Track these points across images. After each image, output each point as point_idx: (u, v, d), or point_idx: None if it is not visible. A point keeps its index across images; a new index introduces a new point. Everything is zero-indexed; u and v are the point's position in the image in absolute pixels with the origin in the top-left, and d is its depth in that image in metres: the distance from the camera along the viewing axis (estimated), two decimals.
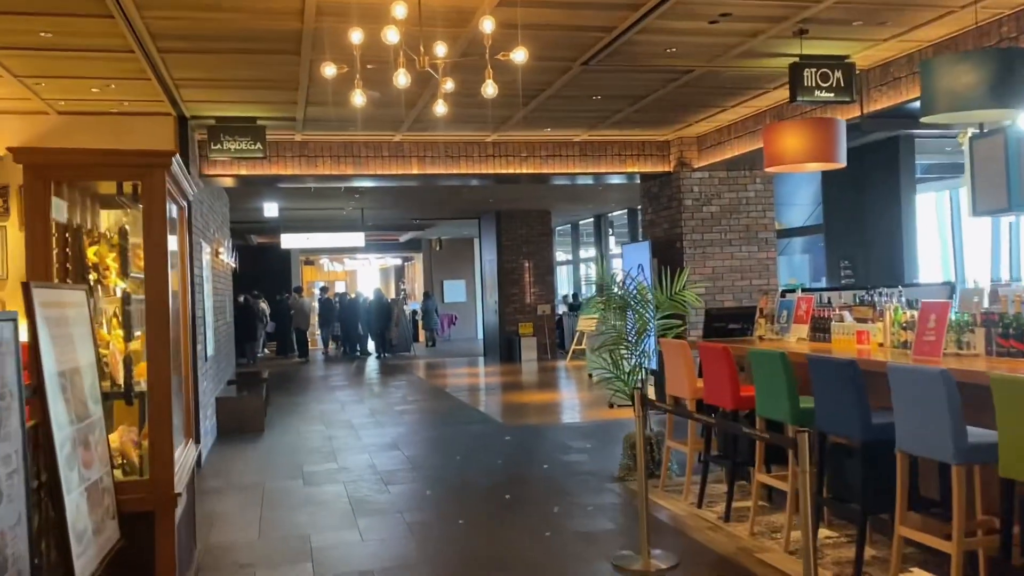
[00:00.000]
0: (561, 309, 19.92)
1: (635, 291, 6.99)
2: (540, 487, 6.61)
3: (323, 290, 20.68)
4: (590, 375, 13.83)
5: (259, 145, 7.89)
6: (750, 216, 9.98)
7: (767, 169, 6.08)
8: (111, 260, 3.92)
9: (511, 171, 9.53)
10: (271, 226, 16.88)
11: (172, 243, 4.23)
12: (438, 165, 9.34)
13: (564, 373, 15.36)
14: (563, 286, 23.09)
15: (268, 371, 16.17)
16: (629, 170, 9.86)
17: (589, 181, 10.48)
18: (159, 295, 3.72)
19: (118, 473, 3.88)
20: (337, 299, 22.97)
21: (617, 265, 22.39)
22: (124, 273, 3.88)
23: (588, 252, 22.51)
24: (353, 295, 22.72)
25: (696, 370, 6.03)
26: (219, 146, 7.82)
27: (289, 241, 16.08)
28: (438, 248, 25.30)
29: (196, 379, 7.76)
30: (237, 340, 20.42)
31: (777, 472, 5.23)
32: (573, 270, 22.05)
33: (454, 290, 25.77)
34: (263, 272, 24.38)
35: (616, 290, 7.05)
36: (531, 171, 9.58)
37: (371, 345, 21.23)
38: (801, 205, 14.05)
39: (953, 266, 11.45)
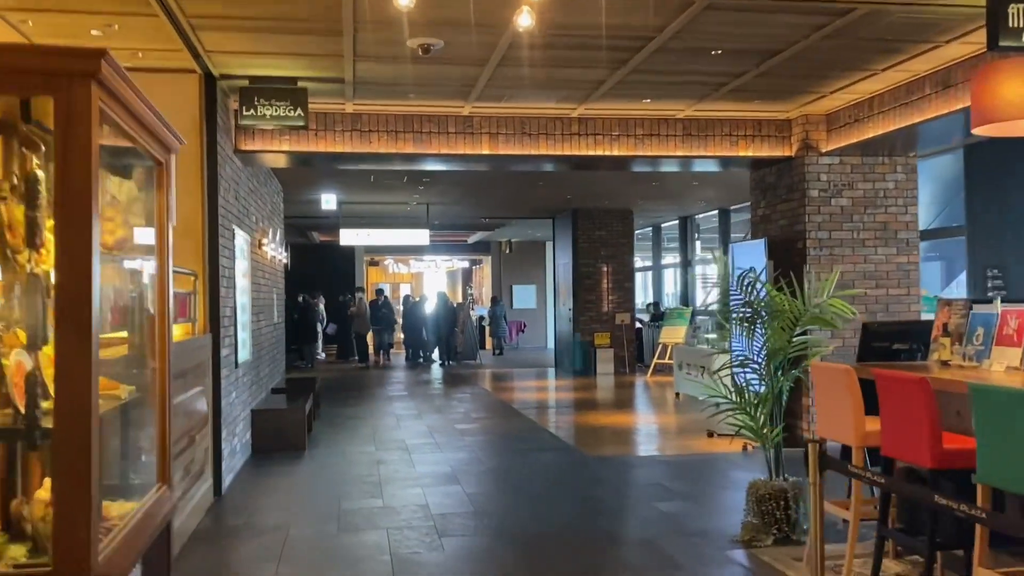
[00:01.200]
0: (640, 319, 18.26)
1: (764, 298, 5.37)
2: (638, 552, 5.05)
3: (379, 292, 19.39)
4: (677, 394, 12.17)
5: (300, 112, 6.57)
6: (888, 212, 8.23)
7: (975, 130, 4.41)
8: (23, 223, 2.56)
9: (599, 152, 8.01)
10: (331, 221, 15.71)
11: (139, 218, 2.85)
12: (513, 144, 7.88)
13: (646, 391, 13.72)
14: (640, 294, 21.40)
15: (322, 378, 15.00)
16: (742, 153, 8.24)
17: (689, 168, 8.87)
18: (76, 276, 2.33)
19: (18, 551, 2.51)
20: (401, 303, 21.78)
21: (702, 273, 20.62)
22: (33, 243, 2.51)
23: (670, 259, 20.79)
24: (417, 298, 21.48)
25: (863, 406, 4.40)
26: (252, 111, 6.52)
27: (348, 237, 14.87)
28: (508, 251, 23.91)
29: (219, 390, 6.46)
30: (295, 342, 19.46)
31: (1011, 567, 3.56)
32: (654, 277, 20.35)
33: (524, 295, 24.34)
34: (326, 272, 23.42)
35: (741, 295, 5.42)
36: (622, 153, 8.05)
37: (436, 352, 19.94)
38: (922, 204, 12.11)
39: None
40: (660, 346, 15.68)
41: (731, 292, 5.49)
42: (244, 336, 8.00)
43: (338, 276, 22.96)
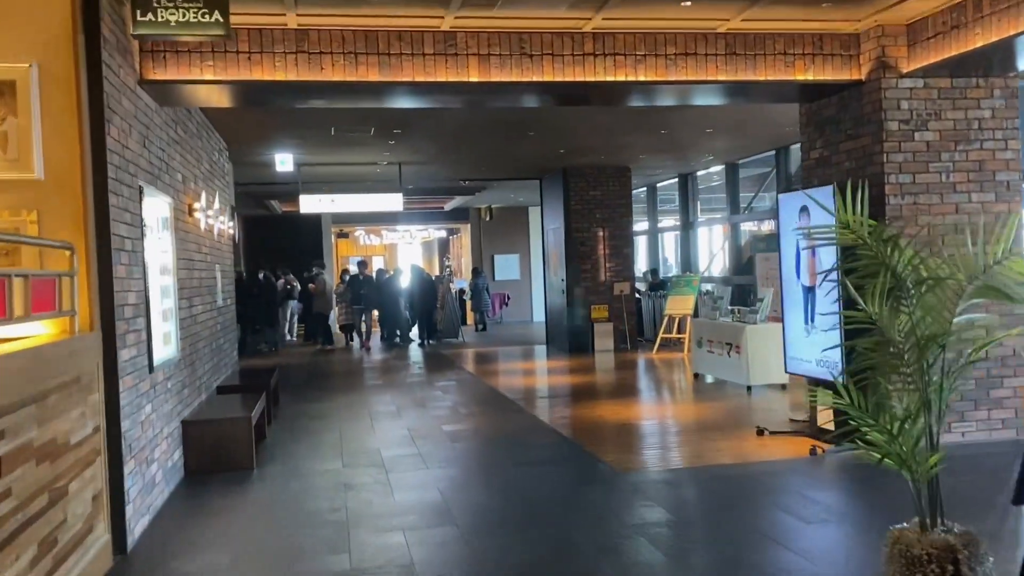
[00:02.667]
0: (637, 289, 16.55)
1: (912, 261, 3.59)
2: None
3: (360, 265, 17.23)
4: (696, 375, 10.51)
5: (217, 16, 4.69)
6: (984, 148, 6.53)
7: None
8: None
9: (619, 78, 6.21)
10: (290, 188, 13.75)
11: None
12: (509, 69, 6.05)
13: (655, 371, 12.04)
14: (635, 261, 19.68)
15: (285, 365, 13.15)
16: (799, 77, 6.47)
17: (733, 98, 7.06)
18: None
19: None
20: (372, 277, 19.92)
21: (706, 238, 18.92)
22: None
23: (667, 222, 19.08)
24: (391, 272, 19.62)
25: None
26: (150, 15, 4.64)
27: (310, 204, 12.94)
28: (488, 218, 22.06)
29: (116, 408, 4.64)
30: (256, 325, 17.57)
31: None
32: (650, 242, 18.64)
33: (506, 266, 22.56)
34: (290, 246, 21.49)
35: (866, 253, 3.63)
36: (649, 78, 6.25)
37: (414, 330, 18.15)
38: None
39: None
40: (665, 318, 14.01)
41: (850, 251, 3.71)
42: (168, 328, 6.16)
43: (303, 250, 21.02)
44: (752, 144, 12.74)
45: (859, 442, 3.71)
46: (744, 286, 14.18)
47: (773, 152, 13.24)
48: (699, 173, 16.28)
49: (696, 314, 14.45)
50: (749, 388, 9.36)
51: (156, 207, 5.92)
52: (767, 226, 15.10)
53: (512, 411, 8.86)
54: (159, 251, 5.96)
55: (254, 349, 16.73)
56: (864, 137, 6.55)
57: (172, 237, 6.45)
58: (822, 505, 5.15)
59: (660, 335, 13.89)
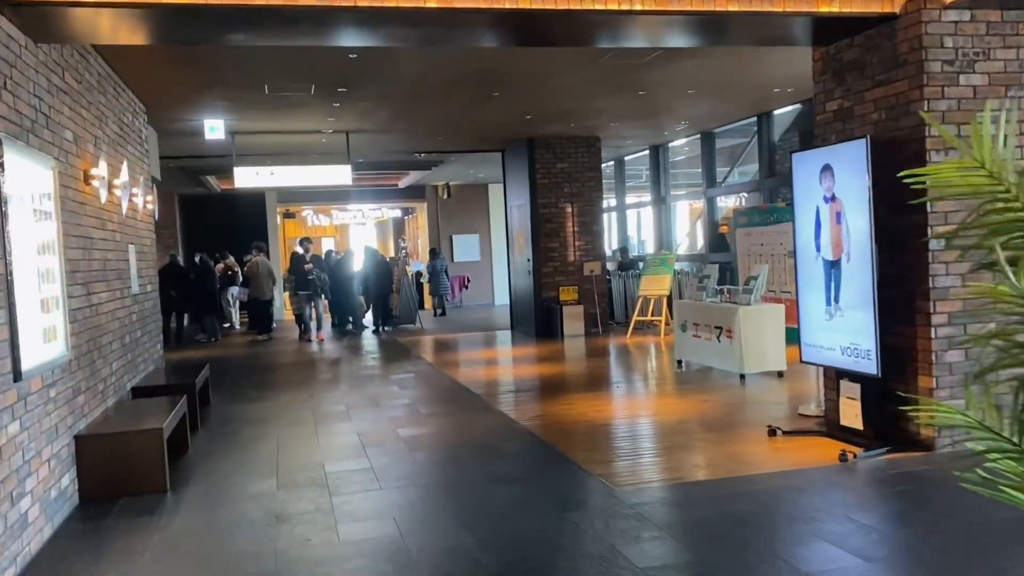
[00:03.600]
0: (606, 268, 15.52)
1: None
2: None
3: (304, 243, 14.89)
4: (679, 362, 9.50)
5: None
6: None
7: None
8: None
9: (613, 6, 5.05)
10: (227, 161, 12.35)
11: None
12: None
13: (633, 358, 11.01)
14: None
15: (222, 358, 11.85)
16: (823, 9, 5.39)
17: (745, 36, 5.96)
18: None
19: None
20: (321, 258, 18.59)
21: (685, 214, 17.95)
22: None
23: (634, 197, 18.06)
24: (342, 254, 18.31)
25: None
26: None
27: (246, 178, 11.56)
28: (446, 196, 20.84)
29: None
30: (194, 313, 16.16)
31: None
32: (618, 218, 17.60)
33: (466, 246, 21.37)
34: (232, 227, 20.03)
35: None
36: (649, 7, 5.10)
37: (369, 316, 16.91)
38: None
39: None
40: (640, 300, 12.99)
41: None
42: (52, 322, 4.89)
43: (246, 232, 19.57)
44: (733, 110, 11.72)
45: (985, 473, 2.65)
46: (721, 264, 13.22)
47: (755, 119, 12.25)
48: (671, 144, 15.26)
49: (675, 296, 13.50)
50: (743, 376, 8.38)
51: (27, 170, 4.63)
52: (732, 201, 14.17)
53: (479, 409, 7.73)
54: (33, 225, 4.68)
55: (192, 340, 15.36)
56: (898, 82, 5.50)
57: (57, 208, 5.16)
58: (879, 533, 4.12)
59: (634, 318, 12.87)
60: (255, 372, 10.90)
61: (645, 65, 8.32)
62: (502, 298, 21.03)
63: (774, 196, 12.17)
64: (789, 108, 12.00)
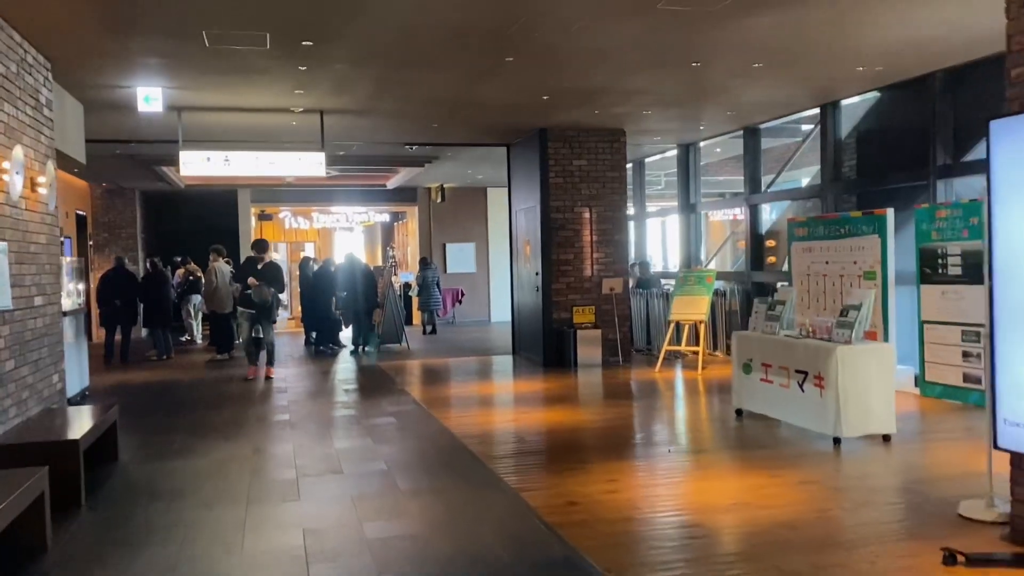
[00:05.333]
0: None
1: None
2: None
3: (259, 247, 10.61)
4: (739, 412, 7.34)
5: None
6: None
7: None
8: None
9: None
10: (170, 149, 10.07)
11: None
12: None
13: (668, 399, 8.83)
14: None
15: (157, 387, 9.63)
16: None
17: None
18: None
19: None
20: (276, 265, 16.38)
21: (712, 227, 15.78)
22: None
23: (655, 206, 15.96)
24: (320, 263, 16.14)
25: None
26: None
27: (193, 165, 9.32)
28: (439, 199, 18.66)
29: None
30: (146, 324, 13.88)
31: None
32: (636, 229, 15.43)
33: (460, 256, 19.18)
34: (199, 229, 17.85)
35: None
36: None
37: (350, 332, 14.73)
38: None
39: None
40: (671, 325, 10.82)
41: None
42: None
43: (216, 234, 17.34)
44: (793, 97, 9.62)
45: None
46: (764, 284, 11.12)
47: (818, 109, 10.15)
48: (702, 144, 13.16)
49: (711, 319, 11.37)
50: (837, 441, 6.20)
51: None
52: (771, 211, 11.85)
53: (480, 483, 5.52)
54: None
55: (144, 357, 13.11)
56: None
57: None
58: None
59: (664, 347, 10.69)
60: (197, 407, 8.65)
61: (714, 17, 6.18)
62: (499, 315, 18.85)
63: (839, 204, 10.07)
64: (857, 99, 9.92)
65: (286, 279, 12.68)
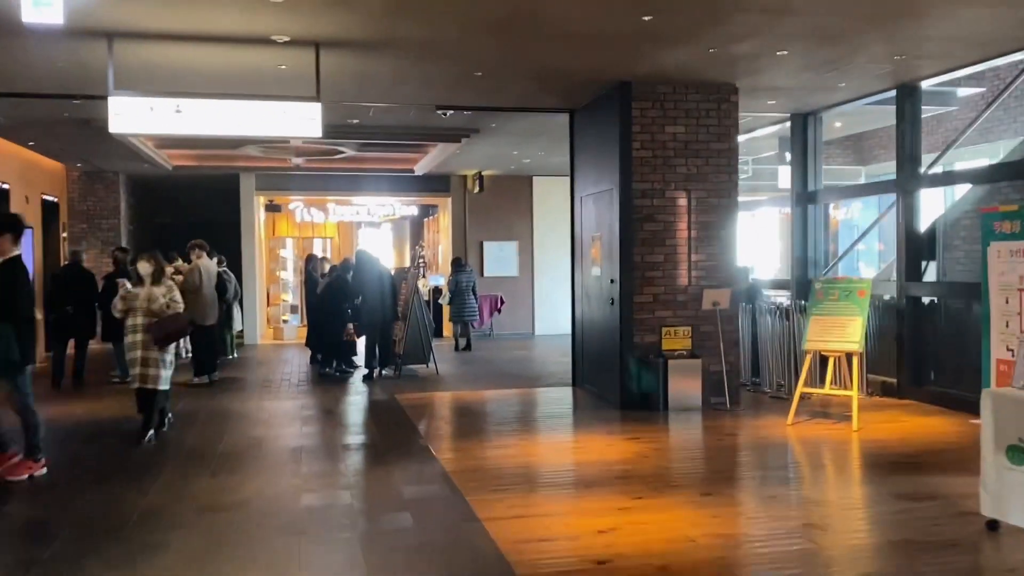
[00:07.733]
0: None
1: None
2: None
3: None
4: (993, 524, 4.16)
5: None
6: None
7: None
8: None
9: None
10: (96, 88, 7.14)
11: None
12: None
13: (832, 482, 5.75)
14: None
15: (92, 431, 6.69)
16: None
17: None
18: None
19: None
20: (303, 272, 13.50)
21: (772, 225, 12.57)
22: None
23: (749, 196, 12.78)
24: (335, 266, 13.30)
25: None
26: None
27: (130, 117, 6.32)
28: (477, 189, 15.67)
29: None
30: (106, 338, 11.02)
31: None
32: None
33: (500, 257, 16.18)
34: (199, 220, 15.18)
35: None
36: None
37: (366, 352, 11.83)
38: None
39: None
40: (808, 357, 7.66)
41: None
42: None
43: (216, 226, 14.58)
44: (1005, 32, 6.49)
45: None
46: (920, 299, 8.00)
47: (1021, 55, 7.01)
48: (824, 115, 10.04)
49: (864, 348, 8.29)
50: None
51: None
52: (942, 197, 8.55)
53: None
54: None
55: (104, 378, 10.32)
56: None
57: None
58: None
59: (800, 387, 7.54)
60: (117, 475, 5.72)
61: None
62: (545, 327, 15.85)
63: None
64: None
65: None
